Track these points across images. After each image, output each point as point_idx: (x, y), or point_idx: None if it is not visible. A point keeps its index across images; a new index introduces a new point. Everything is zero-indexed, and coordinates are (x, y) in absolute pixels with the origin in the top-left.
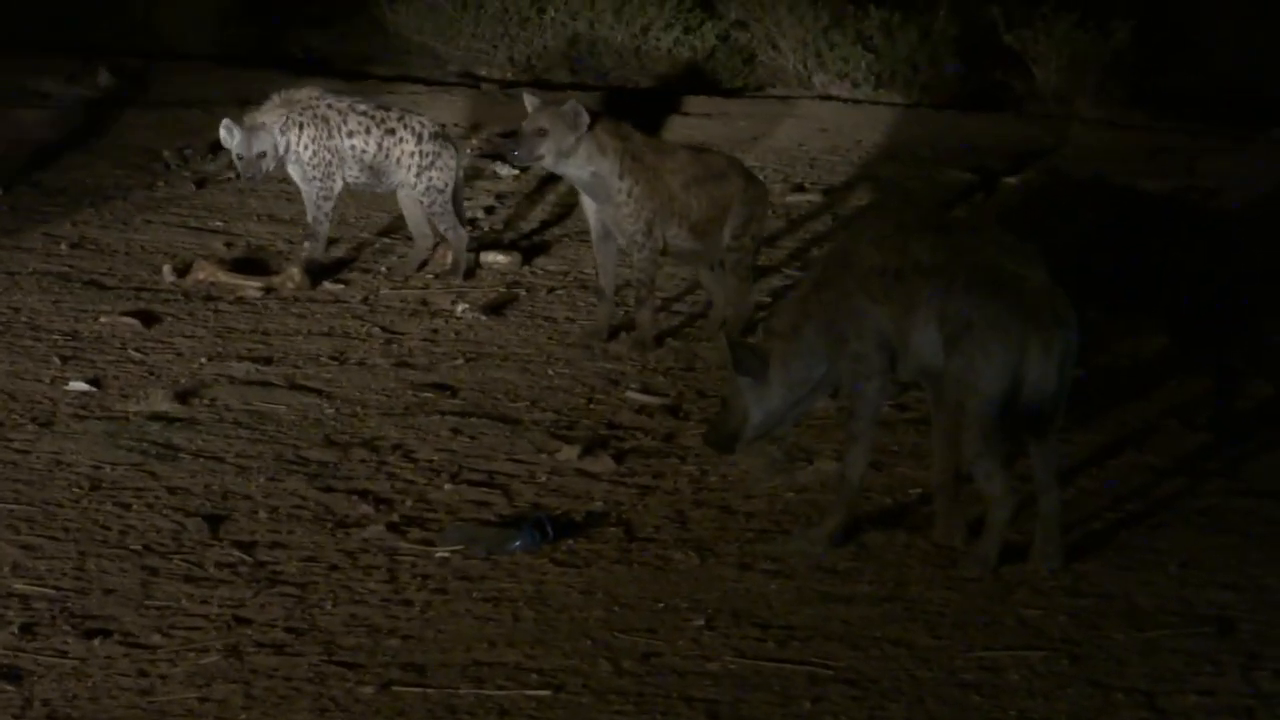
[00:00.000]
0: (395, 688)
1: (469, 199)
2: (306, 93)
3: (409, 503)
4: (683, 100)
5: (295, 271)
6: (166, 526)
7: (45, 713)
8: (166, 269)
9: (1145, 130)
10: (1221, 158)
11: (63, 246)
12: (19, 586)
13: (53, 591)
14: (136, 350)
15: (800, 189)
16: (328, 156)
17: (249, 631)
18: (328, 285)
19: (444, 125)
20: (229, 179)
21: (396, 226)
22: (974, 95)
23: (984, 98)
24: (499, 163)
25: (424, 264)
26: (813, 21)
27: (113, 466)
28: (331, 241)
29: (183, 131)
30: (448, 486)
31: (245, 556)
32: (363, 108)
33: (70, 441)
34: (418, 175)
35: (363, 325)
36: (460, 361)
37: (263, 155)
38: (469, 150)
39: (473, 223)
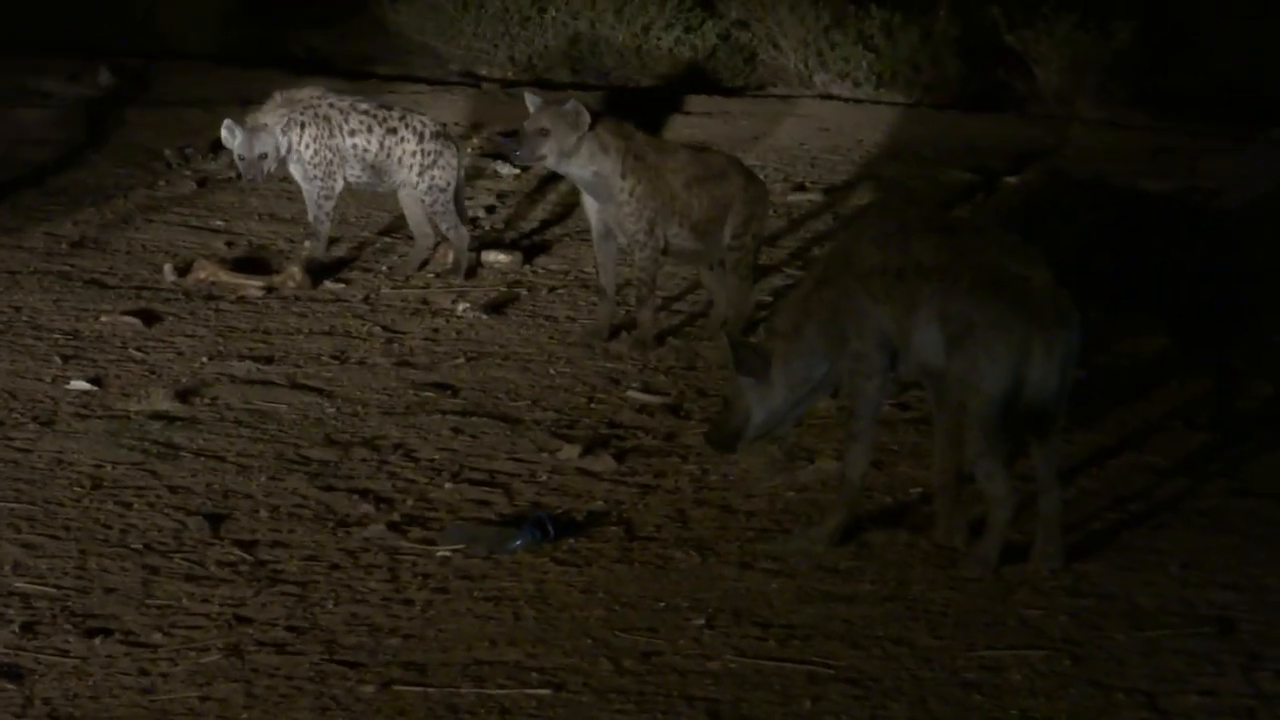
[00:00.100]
0: (396, 687)
1: (470, 198)
2: (308, 92)
3: (410, 502)
4: (684, 99)
5: (296, 271)
6: (168, 525)
7: (46, 711)
8: (168, 268)
9: (1146, 131)
10: (1222, 158)
11: (64, 245)
12: (20, 585)
13: (54, 590)
14: (138, 349)
15: (801, 188)
16: (329, 156)
17: (250, 630)
18: (329, 284)
19: (445, 124)
20: (230, 178)
21: (397, 226)
22: (975, 95)
23: (985, 98)
24: (500, 162)
25: (425, 263)
26: (814, 21)
27: (114, 465)
28: (332, 241)
29: (184, 131)
30: (449, 485)
31: (246, 555)
32: (364, 107)
33: (71, 440)
34: (420, 174)
35: (364, 324)
36: (461, 361)
37: (264, 157)
38: (470, 150)
39: (474, 222)
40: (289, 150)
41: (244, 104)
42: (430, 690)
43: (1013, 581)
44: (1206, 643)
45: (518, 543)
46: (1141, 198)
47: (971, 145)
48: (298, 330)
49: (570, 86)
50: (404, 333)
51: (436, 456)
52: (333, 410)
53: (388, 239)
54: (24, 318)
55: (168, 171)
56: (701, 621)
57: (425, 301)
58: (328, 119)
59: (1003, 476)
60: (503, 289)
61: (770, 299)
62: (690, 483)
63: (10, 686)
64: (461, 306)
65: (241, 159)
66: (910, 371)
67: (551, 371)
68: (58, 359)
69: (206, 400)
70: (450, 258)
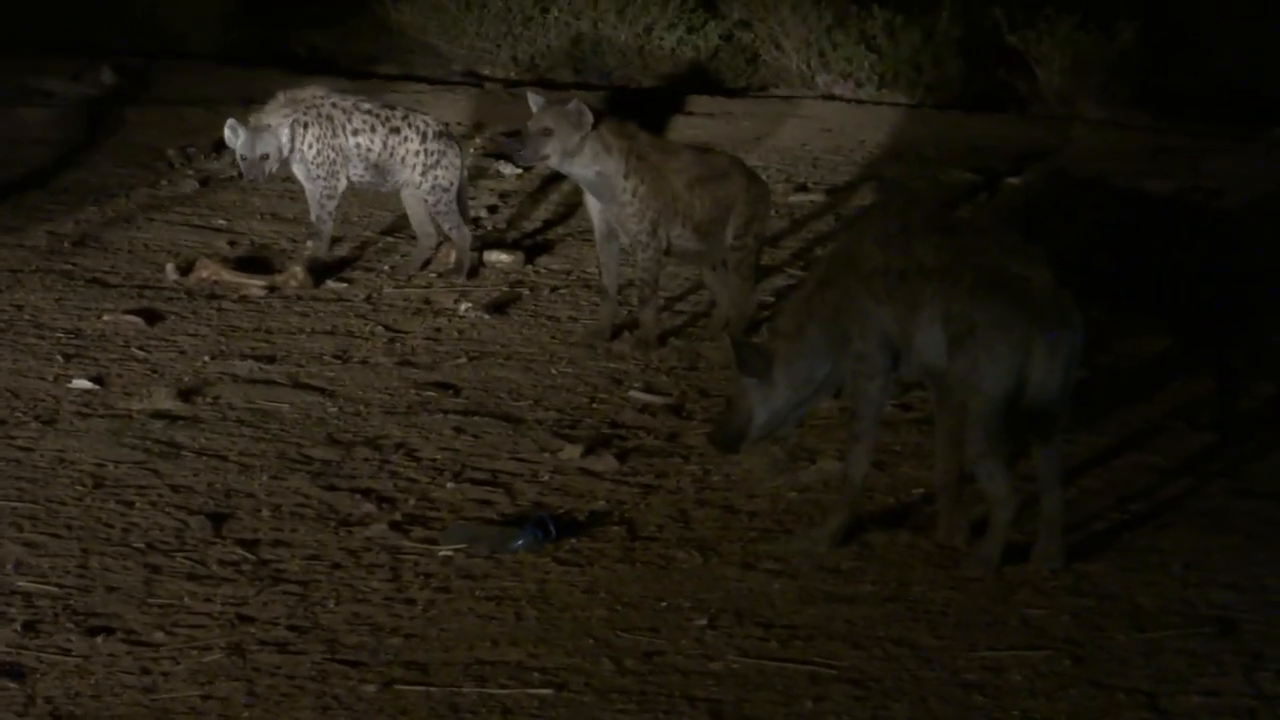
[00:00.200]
0: (398, 686)
1: (473, 198)
2: (311, 92)
3: (412, 501)
4: (686, 100)
5: (299, 270)
6: (169, 524)
7: (48, 710)
8: (170, 267)
9: (1148, 131)
10: (1224, 158)
11: (66, 244)
12: (22, 584)
13: (56, 589)
14: (140, 348)
15: (803, 189)
16: (332, 155)
17: (252, 629)
18: (331, 284)
19: (448, 124)
20: (232, 177)
21: (400, 225)
22: (977, 96)
23: (987, 98)
24: (502, 162)
25: (427, 263)
26: (816, 21)
27: (116, 464)
28: (335, 240)
29: (186, 130)
30: (450, 485)
31: (248, 555)
32: (367, 106)
33: (73, 439)
34: (423, 174)
35: (366, 324)
36: (463, 360)
37: (266, 157)
38: (472, 149)
39: (476, 222)
40: (292, 151)
41: (246, 104)
42: (432, 690)
43: (1014, 582)
44: (1208, 643)
45: (520, 542)
46: (1143, 198)
47: (973, 145)
48: (300, 330)
49: (572, 86)
50: (406, 332)
51: (438, 456)
52: (335, 410)
53: (390, 239)
54: (26, 316)
55: (170, 171)
56: (704, 622)
57: (427, 301)
58: (331, 119)
59: (1004, 477)
60: (505, 289)
61: (772, 299)
62: (692, 483)
63: (12, 685)
64: (464, 306)
65: (243, 159)
66: (912, 372)
67: (554, 371)
68: (60, 358)
69: (209, 399)
70: (452, 257)
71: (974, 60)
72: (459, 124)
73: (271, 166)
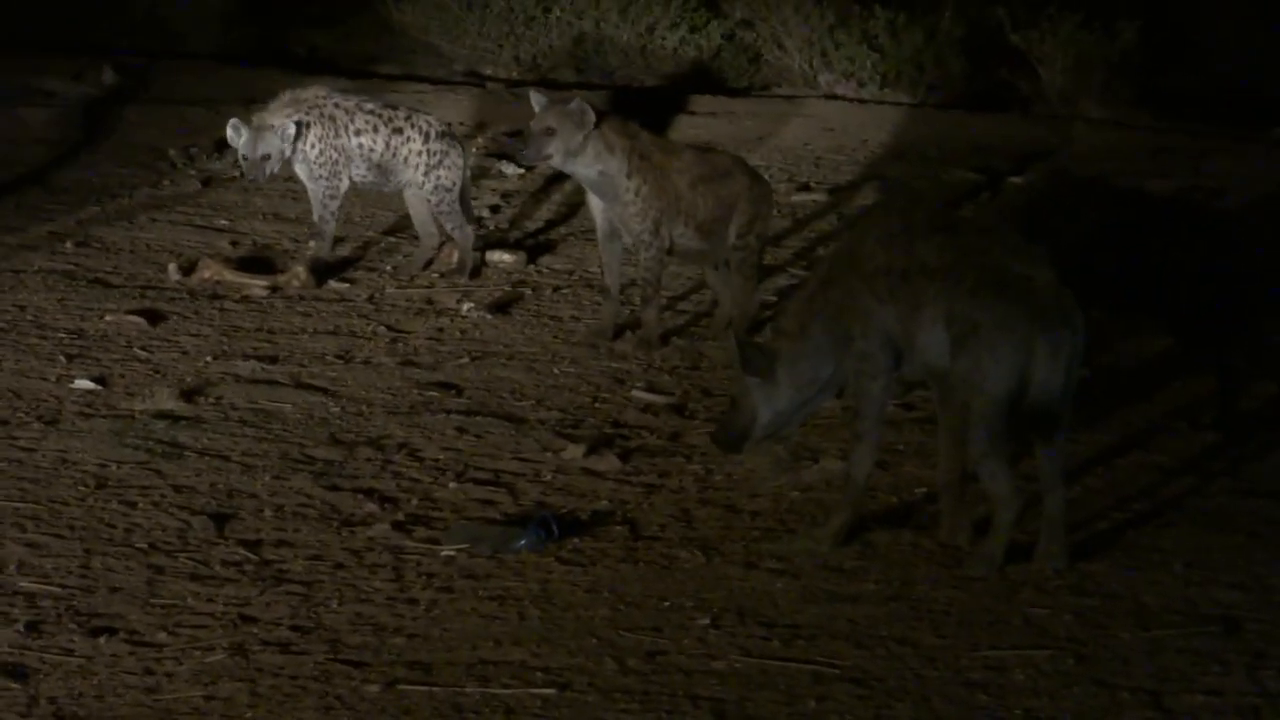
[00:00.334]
0: (401, 686)
1: (475, 198)
2: (314, 92)
3: (414, 501)
4: (688, 99)
5: (301, 270)
6: (172, 525)
7: (51, 710)
8: (172, 267)
9: (1149, 131)
10: (1224, 158)
11: (68, 245)
12: (25, 584)
13: (58, 589)
14: (142, 349)
15: (806, 188)
16: (335, 155)
17: (255, 630)
18: (333, 284)
19: (450, 124)
20: (234, 177)
21: (402, 225)
22: (979, 95)
23: (989, 98)
24: (505, 161)
25: (429, 263)
26: (818, 21)
27: (118, 465)
28: (337, 240)
29: (188, 130)
30: (453, 485)
31: (251, 555)
32: (370, 106)
33: (76, 440)
34: (425, 174)
35: (368, 324)
36: (465, 360)
37: (267, 158)
38: (475, 149)
39: (478, 221)
40: (294, 152)
41: (248, 103)
42: (435, 690)
43: (1017, 581)
44: (1211, 642)
45: (522, 542)
46: (1144, 198)
47: (976, 145)
48: (302, 330)
49: (575, 86)
50: (409, 332)
51: (441, 456)
52: (337, 410)
53: (392, 238)
54: (28, 317)
55: (172, 171)
56: (706, 621)
57: (430, 301)
58: (333, 119)
59: (1007, 476)
60: (507, 289)
61: (774, 299)
62: (695, 482)
63: (15, 686)
64: (466, 306)
65: (245, 159)
66: (915, 371)
67: (556, 371)
68: (62, 358)
69: (211, 400)
70: (455, 257)
71: (976, 60)
72: (461, 124)
73: (273, 167)
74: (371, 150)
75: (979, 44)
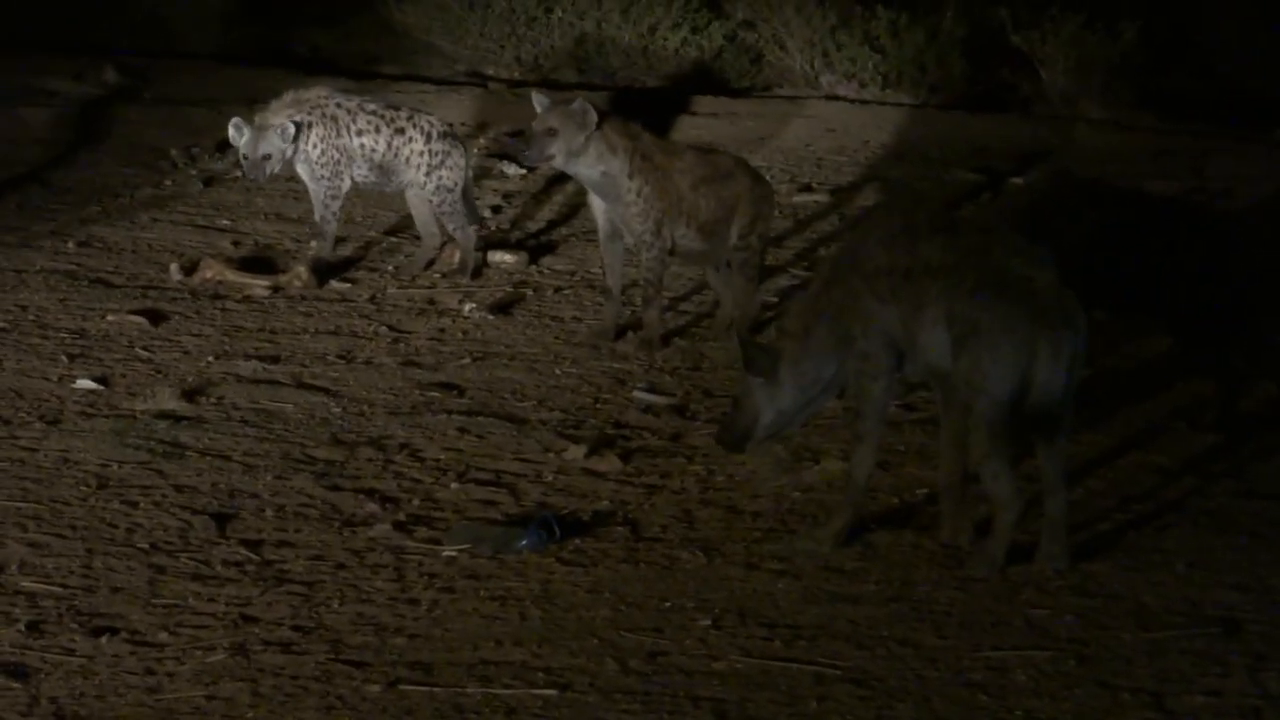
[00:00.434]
0: (402, 686)
1: (477, 198)
2: (316, 92)
3: (416, 501)
4: (690, 100)
5: (302, 270)
6: (174, 525)
7: (52, 710)
8: (174, 267)
9: (1151, 132)
10: (1227, 159)
11: (70, 245)
12: (26, 584)
13: (60, 589)
14: (144, 349)
15: (807, 189)
16: (336, 155)
17: (256, 630)
18: (335, 284)
19: (452, 124)
20: (236, 177)
21: (404, 225)
22: (981, 96)
23: (991, 98)
24: (506, 162)
25: (431, 263)
26: (820, 22)
27: (120, 465)
28: (339, 240)
29: (190, 130)
30: (454, 485)
31: (252, 555)
32: (372, 107)
33: (77, 440)
34: (427, 174)
35: (370, 324)
36: (467, 361)
37: (268, 158)
38: (476, 150)
39: (481, 222)
40: (296, 152)
41: (250, 103)
42: (436, 690)
43: (1018, 582)
44: (1212, 643)
45: (523, 543)
46: (1146, 199)
47: (977, 146)
48: (304, 330)
49: (576, 87)
50: (410, 333)
51: (442, 456)
52: (339, 410)
53: (394, 239)
54: (30, 317)
55: (174, 171)
56: (707, 622)
57: (431, 301)
58: (335, 119)
59: (1008, 477)
60: (509, 289)
61: (776, 300)
62: (696, 483)
63: (16, 685)
64: (468, 307)
65: (245, 158)
66: (916, 372)
67: (557, 372)
68: (64, 358)
69: (212, 400)
70: (456, 258)
71: (978, 61)
72: (463, 124)
73: (274, 167)
74: (373, 150)
75: (981, 45)
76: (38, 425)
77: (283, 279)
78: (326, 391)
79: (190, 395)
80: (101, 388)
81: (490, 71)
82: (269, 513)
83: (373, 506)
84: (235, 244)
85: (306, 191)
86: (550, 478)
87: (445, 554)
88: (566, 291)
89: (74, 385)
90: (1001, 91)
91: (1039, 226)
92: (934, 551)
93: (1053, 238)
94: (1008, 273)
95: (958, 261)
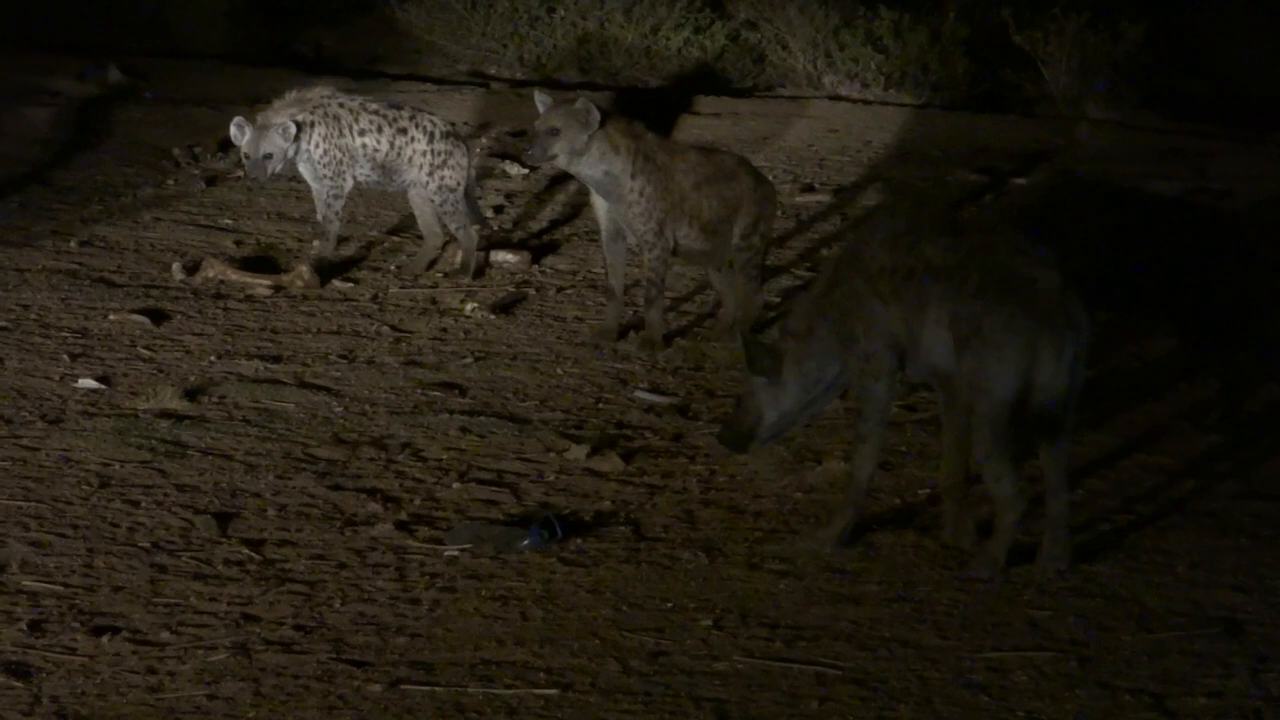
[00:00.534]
0: (403, 686)
1: (479, 198)
2: (318, 91)
3: (417, 501)
4: (693, 100)
5: (304, 270)
6: (175, 524)
7: (54, 709)
8: (176, 267)
9: (1154, 132)
10: (1231, 160)
11: (72, 244)
12: (28, 583)
13: (61, 588)
14: (146, 348)
15: (810, 189)
16: (339, 155)
17: (257, 629)
18: (337, 284)
19: (455, 124)
20: (238, 177)
21: (406, 225)
22: (984, 96)
23: (994, 99)
24: (509, 162)
25: (433, 263)
26: (823, 22)
27: (122, 464)
28: (341, 240)
29: (192, 129)
30: (456, 485)
31: (254, 554)
32: (374, 106)
33: (79, 439)
34: (430, 174)
35: (372, 324)
36: (469, 360)
37: (269, 157)
38: (479, 149)
39: (483, 221)
40: (298, 152)
41: (252, 103)
42: (437, 689)
43: (1020, 583)
44: (1214, 644)
45: (525, 542)
46: (1149, 199)
47: (980, 146)
48: (306, 329)
49: (579, 86)
50: (412, 332)
51: (444, 456)
52: (340, 409)
53: (396, 238)
54: (32, 316)
55: (176, 170)
56: (709, 622)
57: (434, 301)
58: (337, 118)
59: (1011, 478)
60: (511, 289)
61: (778, 300)
62: (698, 483)
63: (18, 684)
64: (470, 306)
65: (247, 157)
66: (919, 373)
67: (559, 371)
68: (66, 357)
69: (214, 399)
70: (458, 257)
71: (981, 61)
72: (465, 124)
73: (275, 166)
74: (376, 150)
75: (983, 45)
76: (40, 424)
77: (285, 278)
78: (328, 391)
79: (192, 394)
80: (103, 387)
81: (493, 71)
82: (271, 512)
83: (374, 506)
84: (237, 243)
85: (309, 191)
86: (552, 478)
87: (447, 554)
88: (569, 291)
89: (76, 384)
90: (1004, 92)
91: (1042, 227)
92: (936, 552)
93: (1055, 238)
94: (1011, 273)
95: (961, 262)
